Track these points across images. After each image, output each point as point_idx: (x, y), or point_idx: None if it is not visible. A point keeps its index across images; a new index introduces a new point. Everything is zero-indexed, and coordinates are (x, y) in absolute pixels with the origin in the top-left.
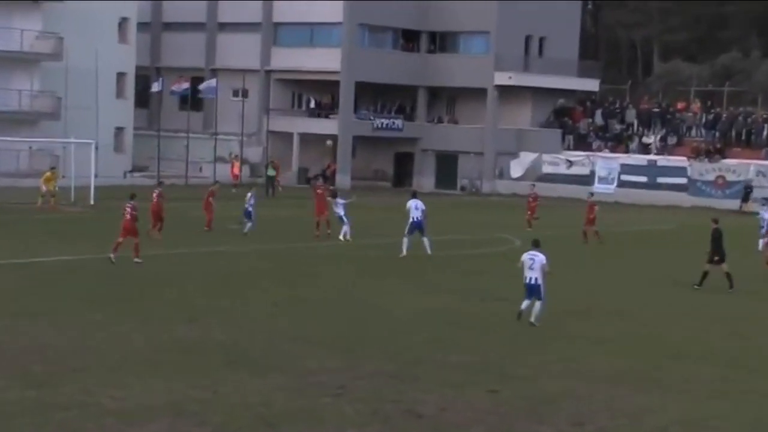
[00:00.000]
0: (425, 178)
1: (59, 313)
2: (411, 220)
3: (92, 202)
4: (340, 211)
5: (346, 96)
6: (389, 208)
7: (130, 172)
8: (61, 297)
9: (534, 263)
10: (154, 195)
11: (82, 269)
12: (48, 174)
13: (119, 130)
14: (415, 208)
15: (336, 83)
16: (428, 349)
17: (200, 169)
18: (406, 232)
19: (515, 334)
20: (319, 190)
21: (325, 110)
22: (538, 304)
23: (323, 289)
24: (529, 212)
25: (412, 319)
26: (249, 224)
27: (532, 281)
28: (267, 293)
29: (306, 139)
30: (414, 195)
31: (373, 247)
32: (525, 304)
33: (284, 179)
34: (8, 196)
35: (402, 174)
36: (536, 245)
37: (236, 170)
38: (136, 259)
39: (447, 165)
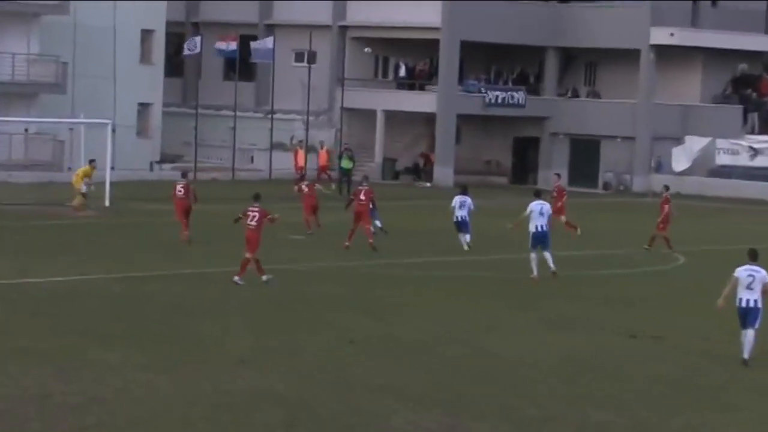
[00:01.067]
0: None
1: (60, 352)
2: (534, 229)
3: (107, 203)
4: (464, 213)
5: (449, 61)
6: (505, 212)
7: (159, 162)
8: (63, 331)
9: (754, 281)
10: (180, 189)
11: (90, 294)
12: (87, 168)
13: (144, 107)
14: (539, 213)
15: (435, 43)
16: (558, 405)
17: (251, 159)
18: (529, 245)
19: (677, 384)
20: (360, 199)
21: (419, 80)
22: (751, 334)
23: (414, 323)
24: (660, 222)
25: (534, 364)
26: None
27: (750, 304)
28: (341, 328)
29: (394, 118)
30: (537, 195)
31: (483, 265)
32: (745, 336)
33: (369, 171)
34: None
35: (523, 166)
36: (754, 257)
37: (300, 160)
38: (263, 278)
39: (585, 154)
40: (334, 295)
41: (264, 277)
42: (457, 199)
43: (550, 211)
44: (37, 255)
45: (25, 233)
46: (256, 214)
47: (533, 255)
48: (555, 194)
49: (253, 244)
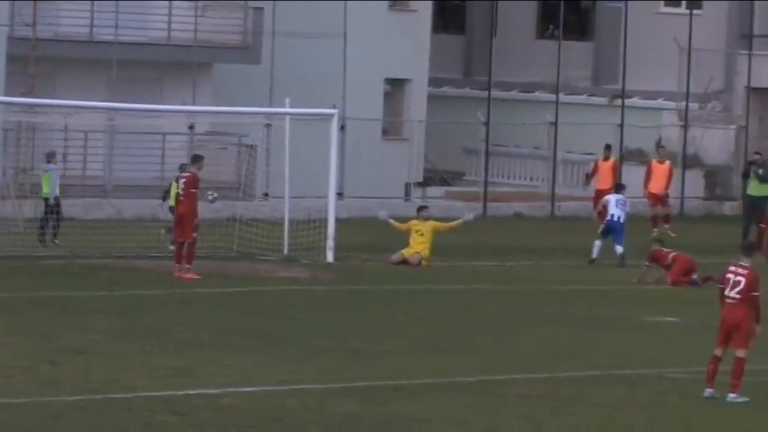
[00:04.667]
0: None
1: None
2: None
3: (329, 257)
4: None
5: None
6: None
7: (421, 185)
8: None
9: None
10: (181, 184)
11: (305, 417)
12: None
13: (395, 86)
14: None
15: None
16: None
17: (585, 180)
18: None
19: None
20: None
21: None
22: None
23: None
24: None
25: None
26: None
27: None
28: None
29: None
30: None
31: None
32: None
33: None
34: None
35: None
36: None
37: (656, 187)
38: None
39: None
40: None
41: None
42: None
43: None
44: (212, 347)
45: (190, 307)
46: None
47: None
48: None
49: None
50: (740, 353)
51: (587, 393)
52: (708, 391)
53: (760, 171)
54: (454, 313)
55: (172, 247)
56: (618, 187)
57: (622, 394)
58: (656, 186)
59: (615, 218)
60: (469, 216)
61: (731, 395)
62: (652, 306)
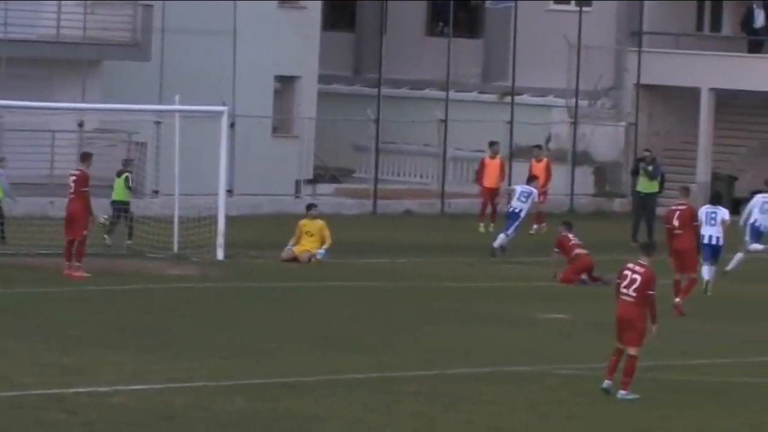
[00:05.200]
0: None
1: None
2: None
3: (220, 255)
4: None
5: None
6: None
7: (311, 182)
8: None
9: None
10: (71, 182)
11: (198, 418)
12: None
13: (285, 84)
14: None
15: None
16: None
17: (476, 177)
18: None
19: None
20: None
21: None
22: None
23: None
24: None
25: None
26: None
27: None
28: None
29: (733, 104)
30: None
31: None
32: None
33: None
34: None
35: None
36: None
37: (541, 180)
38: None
39: None
40: None
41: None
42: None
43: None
44: (103, 344)
45: (80, 305)
46: None
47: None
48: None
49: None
50: (632, 351)
51: (478, 390)
52: (606, 383)
53: (649, 168)
54: (345, 310)
55: (108, 243)
56: (529, 180)
57: (512, 390)
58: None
59: (514, 209)
60: (318, 255)
61: (621, 392)
62: (542, 303)
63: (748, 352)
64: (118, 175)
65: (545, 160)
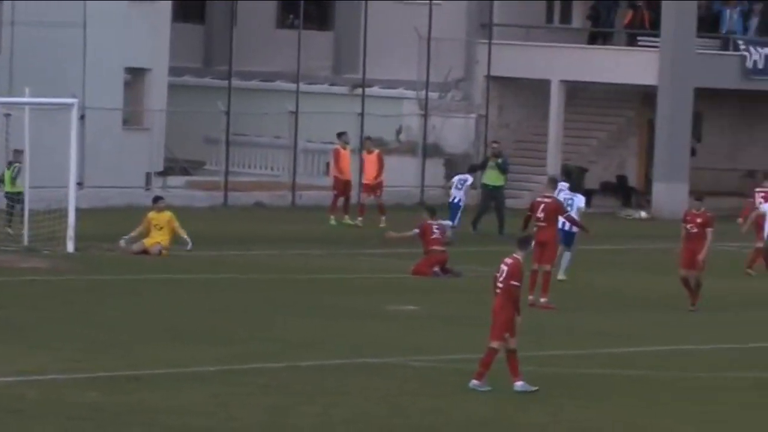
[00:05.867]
0: None
1: None
2: None
3: (70, 248)
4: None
5: None
6: None
7: (162, 174)
8: None
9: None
10: None
11: (43, 409)
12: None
13: (136, 76)
14: None
15: None
16: None
17: (327, 168)
18: None
19: None
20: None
21: (629, 29)
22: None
23: None
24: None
25: None
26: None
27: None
28: None
29: (581, 96)
30: None
31: None
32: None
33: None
34: None
35: None
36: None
37: (371, 173)
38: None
39: None
40: None
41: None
42: None
43: None
44: None
45: None
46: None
47: None
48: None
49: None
50: (492, 344)
51: (330, 382)
52: (474, 382)
53: (499, 161)
54: (196, 302)
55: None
56: (471, 168)
57: (364, 383)
58: (369, 177)
59: (452, 199)
60: (188, 247)
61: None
62: (394, 295)
63: (601, 344)
64: (8, 166)
65: (376, 152)
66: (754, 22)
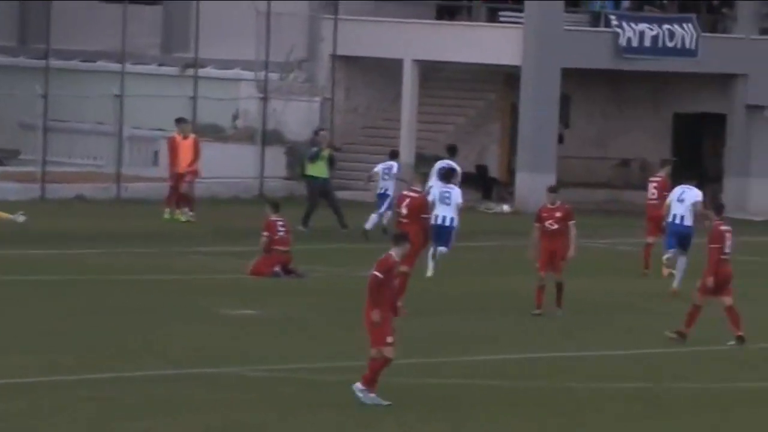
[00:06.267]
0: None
1: None
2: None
3: None
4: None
5: None
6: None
7: None
8: None
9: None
10: None
11: None
12: None
13: None
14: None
15: None
16: None
17: (155, 157)
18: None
19: None
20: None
21: (488, 2)
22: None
23: None
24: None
25: None
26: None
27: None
28: None
29: (437, 77)
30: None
31: None
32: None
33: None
34: None
35: (694, 169)
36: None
37: (185, 160)
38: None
39: None
40: None
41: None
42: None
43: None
44: None
45: None
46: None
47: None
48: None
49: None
50: (372, 352)
51: (159, 394)
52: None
53: (331, 152)
54: (8, 308)
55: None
56: (392, 155)
57: (199, 394)
58: (183, 164)
59: (381, 190)
60: (21, 218)
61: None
62: (229, 297)
63: (462, 351)
64: None
65: (192, 137)
66: None
